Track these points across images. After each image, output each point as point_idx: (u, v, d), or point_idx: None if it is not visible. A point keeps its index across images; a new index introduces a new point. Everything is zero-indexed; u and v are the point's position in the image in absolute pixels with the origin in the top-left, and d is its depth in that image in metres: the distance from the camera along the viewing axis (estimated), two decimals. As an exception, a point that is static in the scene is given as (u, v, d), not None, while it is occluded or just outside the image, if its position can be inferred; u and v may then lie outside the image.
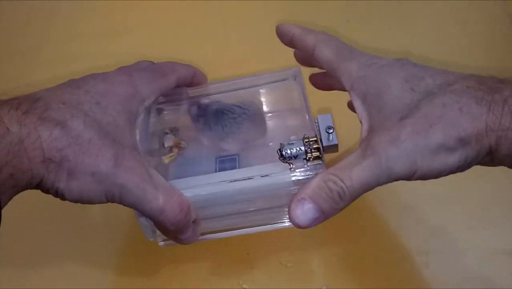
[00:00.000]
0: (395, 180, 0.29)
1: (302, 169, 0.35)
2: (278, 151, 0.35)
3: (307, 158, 0.35)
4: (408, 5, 0.60)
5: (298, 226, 0.31)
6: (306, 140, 0.35)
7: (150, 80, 0.37)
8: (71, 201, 0.32)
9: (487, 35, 0.57)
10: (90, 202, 0.32)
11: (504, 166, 0.29)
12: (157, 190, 0.32)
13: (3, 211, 0.28)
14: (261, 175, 0.35)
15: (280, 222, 0.39)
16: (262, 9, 0.62)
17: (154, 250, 0.46)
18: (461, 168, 0.29)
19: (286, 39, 0.38)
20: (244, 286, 0.43)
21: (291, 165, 0.35)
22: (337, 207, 0.30)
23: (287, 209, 0.34)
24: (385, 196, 0.47)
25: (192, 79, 0.41)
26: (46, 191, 0.31)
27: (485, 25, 0.58)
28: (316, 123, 0.37)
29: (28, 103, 0.31)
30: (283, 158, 0.35)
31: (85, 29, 0.63)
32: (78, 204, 0.33)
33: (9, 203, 0.30)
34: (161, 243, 0.40)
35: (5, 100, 0.31)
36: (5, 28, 0.65)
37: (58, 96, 0.32)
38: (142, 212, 0.33)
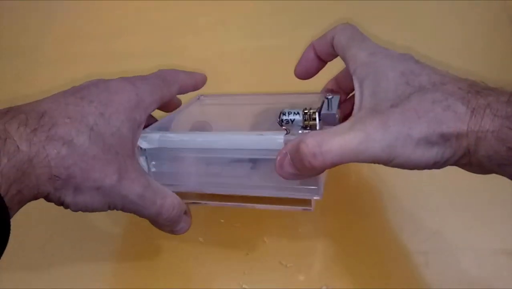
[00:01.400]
0: (372, 162, 0.30)
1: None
2: (278, 116, 0.36)
3: (304, 126, 0.36)
4: (407, 5, 0.60)
5: (281, 176, 0.33)
6: (307, 110, 0.36)
7: (153, 89, 0.38)
8: (75, 211, 0.33)
9: (486, 35, 0.57)
10: (94, 211, 0.34)
11: (482, 168, 0.29)
12: (155, 196, 0.35)
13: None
14: (256, 134, 0.36)
15: (276, 204, 0.39)
16: (263, 9, 0.62)
17: (153, 249, 0.46)
18: (437, 164, 0.30)
19: (311, 59, 0.39)
20: (244, 286, 0.43)
21: (288, 130, 0.35)
22: (310, 169, 0.31)
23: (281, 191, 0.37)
24: (385, 196, 0.47)
25: (194, 86, 0.42)
26: (51, 202, 0.33)
27: (485, 25, 0.58)
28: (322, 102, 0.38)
29: (35, 120, 0.31)
30: (281, 121, 0.36)
31: (85, 29, 0.63)
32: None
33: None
34: None
35: (10, 114, 0.31)
36: (5, 28, 0.65)
37: (63, 109, 0.33)
38: (141, 216, 0.35)
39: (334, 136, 0.30)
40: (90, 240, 0.47)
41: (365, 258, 0.44)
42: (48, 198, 0.32)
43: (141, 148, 0.38)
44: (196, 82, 0.42)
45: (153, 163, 0.39)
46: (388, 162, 0.30)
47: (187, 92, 0.42)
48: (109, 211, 0.35)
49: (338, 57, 0.37)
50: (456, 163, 0.30)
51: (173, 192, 0.37)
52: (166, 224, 0.37)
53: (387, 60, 0.33)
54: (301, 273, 0.43)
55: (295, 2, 0.62)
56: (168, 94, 0.39)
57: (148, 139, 0.38)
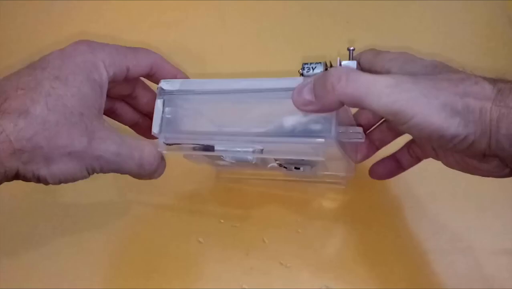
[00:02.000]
0: (390, 113, 0.30)
1: None
2: (300, 70, 0.36)
3: None
4: (407, 5, 0.60)
5: (294, 103, 0.33)
6: (327, 66, 0.36)
7: (114, 51, 0.36)
8: (54, 184, 0.32)
9: (486, 35, 0.57)
10: (74, 180, 0.33)
11: (500, 155, 0.30)
12: (131, 150, 0.34)
13: None
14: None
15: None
16: (262, 9, 0.62)
17: (153, 250, 0.46)
18: (455, 139, 0.30)
19: None
20: (244, 286, 0.43)
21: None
22: (329, 93, 0.31)
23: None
24: (384, 196, 0.47)
25: (172, 72, 0.40)
26: (27, 180, 0.31)
27: (484, 25, 0.58)
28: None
29: None
30: (302, 69, 0.36)
31: (84, 29, 0.63)
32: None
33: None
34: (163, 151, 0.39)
35: None
36: (5, 28, 0.65)
37: (15, 82, 0.31)
38: (122, 173, 0.35)
39: (364, 74, 0.30)
40: (89, 239, 0.47)
41: (365, 258, 0.44)
42: (21, 176, 0.31)
43: (162, 89, 0.38)
44: (178, 75, 0.40)
45: (168, 108, 0.38)
46: (406, 120, 0.29)
47: (163, 74, 0.39)
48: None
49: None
50: (475, 145, 0.30)
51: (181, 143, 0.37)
52: (147, 175, 0.37)
53: (415, 57, 0.34)
54: (301, 273, 0.43)
55: (296, 2, 0.61)
56: (134, 62, 0.37)
57: (171, 82, 0.38)
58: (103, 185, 0.50)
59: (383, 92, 0.29)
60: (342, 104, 0.31)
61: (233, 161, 0.38)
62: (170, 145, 0.37)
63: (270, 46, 0.59)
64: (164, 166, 0.38)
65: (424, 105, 0.29)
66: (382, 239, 0.44)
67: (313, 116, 0.34)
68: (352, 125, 0.39)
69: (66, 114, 0.31)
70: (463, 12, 0.59)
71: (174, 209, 0.48)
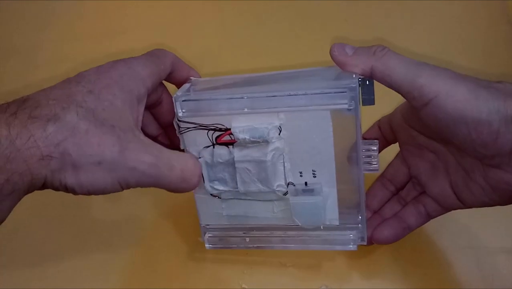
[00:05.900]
0: (416, 88, 0.31)
1: None
2: None
3: None
4: (407, 5, 0.60)
5: (332, 48, 0.35)
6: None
7: (146, 62, 0.35)
8: (83, 194, 0.31)
9: (486, 35, 0.57)
10: (104, 192, 0.31)
11: None
12: (170, 161, 0.32)
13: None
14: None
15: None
16: (262, 9, 0.62)
17: (152, 249, 0.46)
18: (479, 124, 0.30)
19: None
20: (244, 286, 0.43)
21: None
22: (366, 56, 0.34)
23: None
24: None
25: (187, 69, 0.40)
26: (56, 188, 0.30)
27: (484, 25, 0.58)
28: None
29: (16, 104, 0.29)
30: None
31: (84, 29, 0.63)
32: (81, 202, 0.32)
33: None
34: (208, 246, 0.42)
35: None
36: (5, 28, 0.65)
37: (48, 93, 0.31)
38: (162, 187, 0.32)
39: (399, 54, 0.33)
40: (89, 239, 0.47)
41: (365, 257, 0.44)
42: (49, 184, 0.30)
43: (190, 78, 0.39)
44: (190, 67, 0.40)
45: (194, 87, 0.38)
46: (430, 97, 0.31)
47: (182, 79, 0.39)
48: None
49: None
50: (501, 137, 0.30)
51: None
52: (188, 188, 0.33)
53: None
54: (301, 273, 0.43)
55: (296, 2, 0.62)
56: (162, 66, 0.37)
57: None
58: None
59: (411, 68, 0.32)
60: (370, 72, 0.33)
61: (245, 138, 0.36)
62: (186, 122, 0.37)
63: (270, 46, 0.59)
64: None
65: (450, 84, 0.31)
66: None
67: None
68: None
69: (96, 125, 0.30)
70: (463, 12, 0.59)
71: (175, 209, 0.48)
